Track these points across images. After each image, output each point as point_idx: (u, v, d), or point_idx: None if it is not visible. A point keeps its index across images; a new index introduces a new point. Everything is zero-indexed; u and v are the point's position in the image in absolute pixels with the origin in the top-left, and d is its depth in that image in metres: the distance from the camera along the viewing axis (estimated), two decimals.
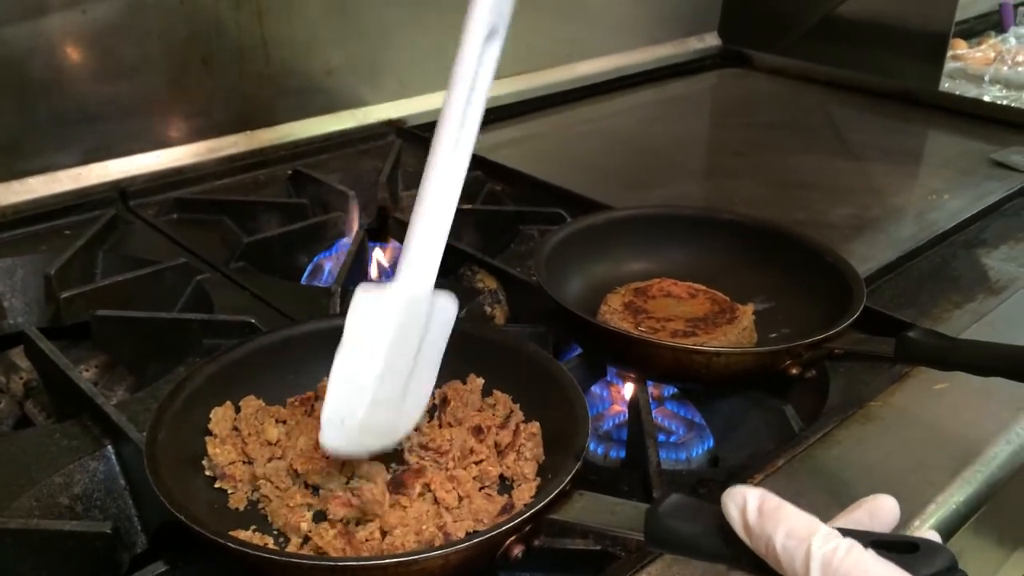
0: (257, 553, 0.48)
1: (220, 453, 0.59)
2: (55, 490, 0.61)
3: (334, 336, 0.56)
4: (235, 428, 0.62)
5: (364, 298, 0.57)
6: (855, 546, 0.36)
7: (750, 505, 0.39)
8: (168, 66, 1.04)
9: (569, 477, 0.52)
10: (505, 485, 0.60)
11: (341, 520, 0.55)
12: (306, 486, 0.59)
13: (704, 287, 0.79)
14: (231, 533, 0.51)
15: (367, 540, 0.53)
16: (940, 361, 0.61)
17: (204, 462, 0.59)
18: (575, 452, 0.54)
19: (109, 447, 0.63)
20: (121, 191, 1.02)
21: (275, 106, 1.13)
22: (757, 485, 0.59)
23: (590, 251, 0.82)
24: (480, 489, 0.58)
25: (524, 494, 0.57)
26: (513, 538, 0.49)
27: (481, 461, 0.60)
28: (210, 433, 0.61)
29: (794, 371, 0.66)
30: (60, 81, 0.97)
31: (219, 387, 0.63)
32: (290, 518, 0.55)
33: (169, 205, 1.02)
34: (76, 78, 0.98)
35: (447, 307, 0.60)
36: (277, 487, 0.58)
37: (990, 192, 1.10)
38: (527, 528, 0.50)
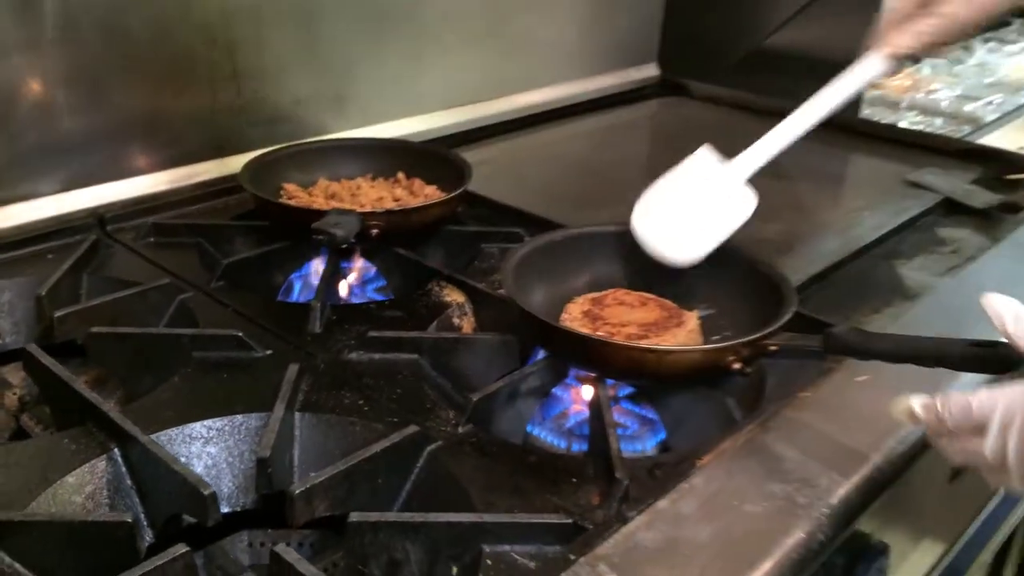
0: None
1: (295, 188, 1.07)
2: (69, 490, 0.66)
3: None
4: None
5: (703, 156, 0.92)
6: None
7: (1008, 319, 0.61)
8: (143, 98, 1.09)
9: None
10: None
11: None
12: None
13: (653, 296, 0.88)
14: None
15: None
16: (860, 352, 0.71)
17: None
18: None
19: (116, 450, 0.69)
20: (99, 217, 1.07)
21: (246, 134, 1.18)
22: (704, 466, 0.68)
23: (550, 265, 0.90)
24: None
25: None
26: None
27: None
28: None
29: (736, 366, 0.75)
30: (40, 113, 1.01)
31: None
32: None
33: (147, 230, 1.07)
34: (56, 110, 1.03)
35: (748, 199, 0.89)
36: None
37: (906, 209, 1.20)
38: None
